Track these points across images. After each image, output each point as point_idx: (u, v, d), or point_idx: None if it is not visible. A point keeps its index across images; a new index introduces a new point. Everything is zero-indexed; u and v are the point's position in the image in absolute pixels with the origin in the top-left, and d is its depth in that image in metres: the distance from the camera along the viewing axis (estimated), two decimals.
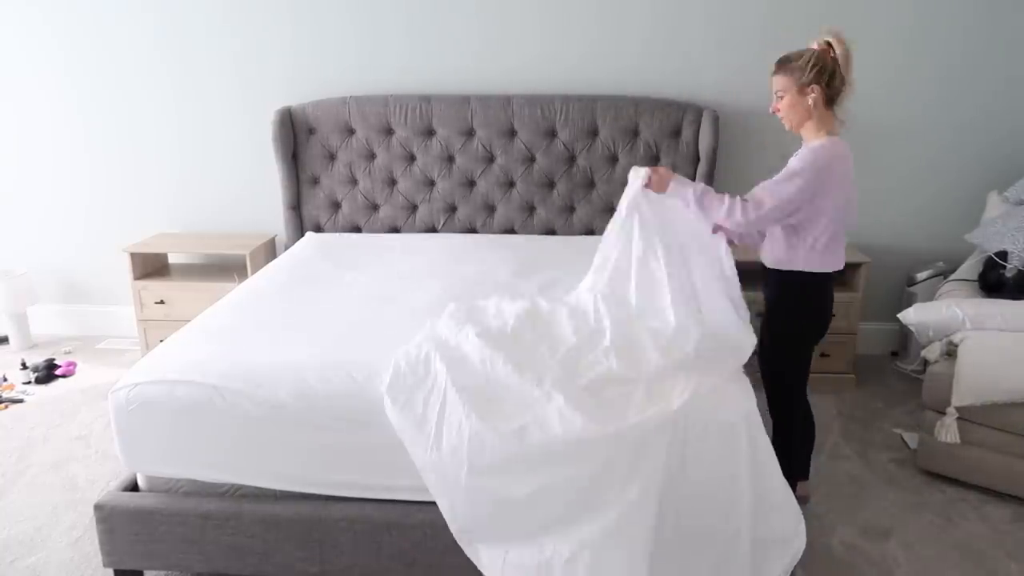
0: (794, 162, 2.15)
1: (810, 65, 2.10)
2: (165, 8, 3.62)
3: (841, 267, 2.26)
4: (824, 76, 2.11)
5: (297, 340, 2.29)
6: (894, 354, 3.83)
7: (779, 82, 2.17)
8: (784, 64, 2.16)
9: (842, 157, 2.13)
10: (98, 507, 2.10)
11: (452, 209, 3.65)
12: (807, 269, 2.21)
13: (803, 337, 2.33)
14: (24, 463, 2.88)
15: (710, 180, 3.46)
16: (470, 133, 3.55)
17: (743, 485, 1.90)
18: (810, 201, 2.11)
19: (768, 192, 2.13)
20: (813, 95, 2.12)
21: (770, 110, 2.23)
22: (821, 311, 2.31)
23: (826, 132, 2.16)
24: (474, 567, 2.03)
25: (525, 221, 3.63)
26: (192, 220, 3.96)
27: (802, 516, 2.00)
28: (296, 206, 3.69)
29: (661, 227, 2.28)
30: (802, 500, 2.33)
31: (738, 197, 2.17)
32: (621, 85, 3.56)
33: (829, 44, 2.13)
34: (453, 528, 1.96)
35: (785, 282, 2.27)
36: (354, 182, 3.65)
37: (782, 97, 2.18)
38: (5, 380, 3.57)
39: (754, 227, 2.22)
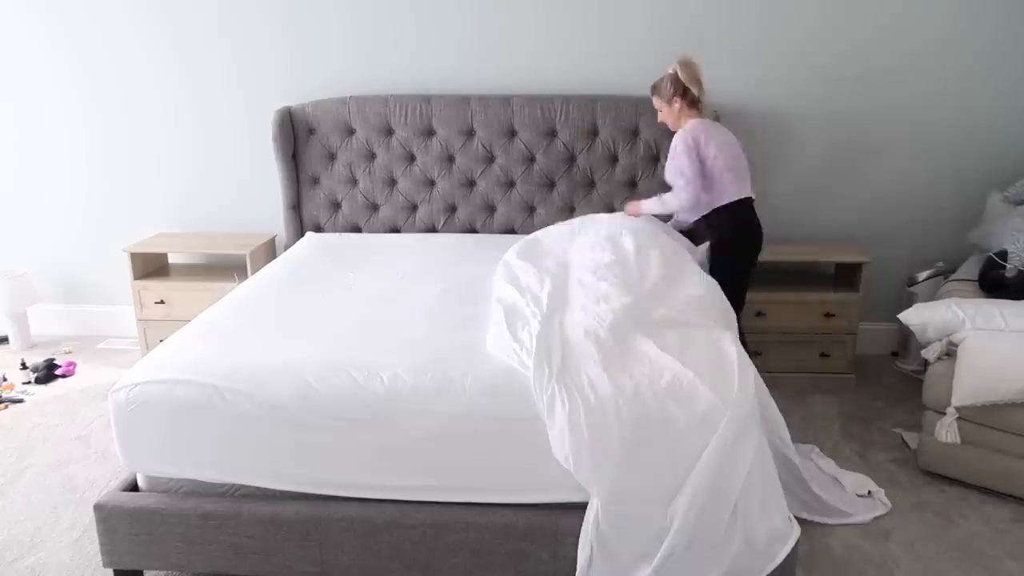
0: (675, 146, 2.90)
1: (669, 86, 2.91)
2: (165, 8, 3.63)
3: (747, 194, 2.91)
4: (679, 90, 2.89)
5: (297, 340, 2.29)
6: (894, 354, 3.83)
7: (656, 102, 3.01)
8: (654, 90, 2.99)
9: (701, 125, 2.88)
10: (98, 507, 2.10)
11: (452, 209, 3.65)
12: (722, 203, 2.87)
13: (736, 261, 2.94)
14: (24, 463, 2.88)
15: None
16: (470, 133, 3.55)
17: (748, 480, 1.92)
18: (699, 160, 2.83)
19: (676, 173, 2.87)
20: (676, 104, 2.92)
21: (659, 120, 3.05)
22: (745, 232, 2.93)
23: (688, 119, 2.92)
24: (473, 568, 2.04)
25: (525, 221, 3.63)
26: (192, 220, 3.96)
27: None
28: (296, 206, 3.69)
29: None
30: None
31: (664, 195, 2.95)
32: (621, 85, 3.56)
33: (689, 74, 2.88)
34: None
35: (711, 222, 2.93)
36: (354, 182, 3.65)
37: (661, 111, 3.00)
38: (5, 380, 3.57)
39: (693, 200, 2.86)
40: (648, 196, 3.09)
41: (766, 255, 3.03)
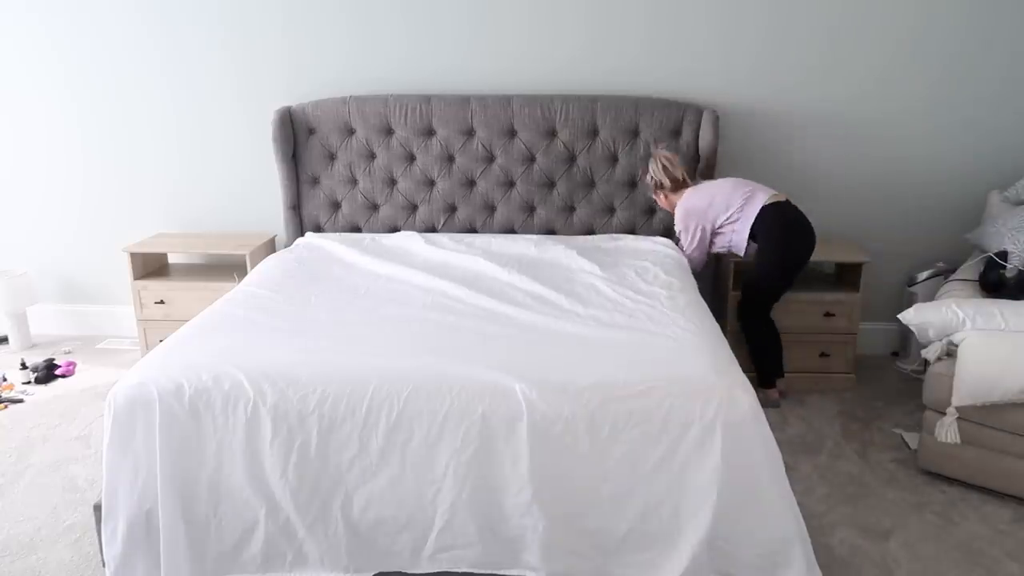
0: (676, 222, 3.30)
1: (654, 185, 3.30)
2: (164, 7, 3.63)
3: (766, 200, 3.07)
4: (664, 183, 3.25)
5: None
6: (894, 354, 3.83)
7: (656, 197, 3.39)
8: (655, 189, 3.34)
9: (692, 195, 3.21)
10: (98, 507, 2.10)
11: (452, 209, 3.65)
12: (747, 229, 3.10)
13: (773, 264, 3.13)
14: (24, 463, 2.88)
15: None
16: (470, 133, 3.55)
17: (760, 485, 1.95)
18: (704, 223, 3.17)
19: (683, 243, 3.29)
20: (662, 196, 3.32)
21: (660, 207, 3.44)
22: (784, 236, 3.10)
23: (680, 195, 3.26)
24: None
25: (525, 221, 3.63)
26: (192, 220, 3.96)
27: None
28: (296, 206, 3.69)
29: None
30: (782, 395, 3.31)
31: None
32: (621, 85, 3.56)
33: (664, 165, 3.24)
34: None
35: (755, 237, 3.13)
36: (354, 182, 3.65)
37: (659, 200, 3.38)
38: (5, 380, 3.57)
39: (701, 259, 3.30)
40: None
41: None
